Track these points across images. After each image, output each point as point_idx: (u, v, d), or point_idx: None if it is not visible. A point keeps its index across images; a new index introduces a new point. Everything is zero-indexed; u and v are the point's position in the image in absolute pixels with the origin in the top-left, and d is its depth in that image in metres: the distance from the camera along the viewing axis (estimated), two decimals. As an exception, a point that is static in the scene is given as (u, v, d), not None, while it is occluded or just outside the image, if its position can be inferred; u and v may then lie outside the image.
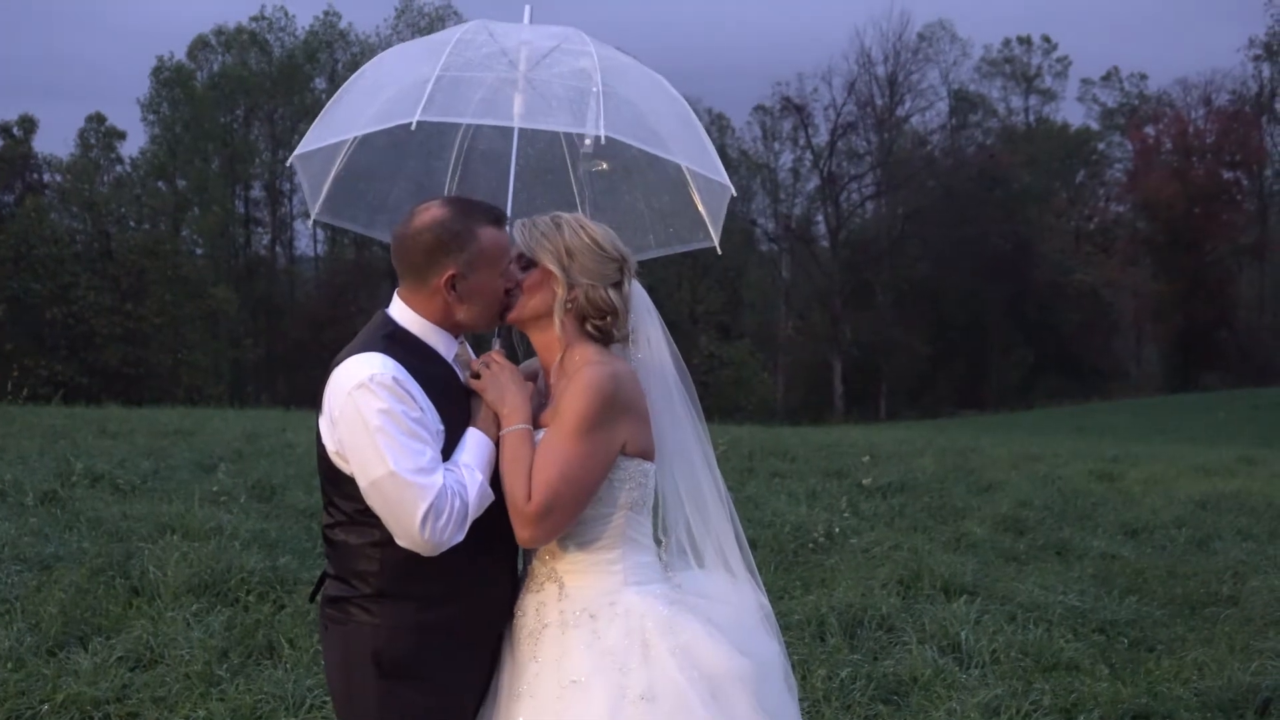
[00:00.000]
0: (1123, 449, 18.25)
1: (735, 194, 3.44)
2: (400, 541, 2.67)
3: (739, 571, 3.03)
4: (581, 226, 2.89)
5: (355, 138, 3.25)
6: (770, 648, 2.96)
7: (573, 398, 2.75)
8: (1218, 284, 54.24)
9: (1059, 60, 63.76)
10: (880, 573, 7.59)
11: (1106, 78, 63.61)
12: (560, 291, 2.84)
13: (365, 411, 2.64)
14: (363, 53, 51.01)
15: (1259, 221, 57.15)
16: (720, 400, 40.93)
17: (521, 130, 3.11)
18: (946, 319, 53.52)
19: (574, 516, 2.77)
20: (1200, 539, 9.72)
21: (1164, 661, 6.14)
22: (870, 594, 7.00)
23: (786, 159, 60.57)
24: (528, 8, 3.27)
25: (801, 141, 59.00)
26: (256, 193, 55.47)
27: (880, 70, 56.65)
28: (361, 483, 2.67)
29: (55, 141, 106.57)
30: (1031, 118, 64.02)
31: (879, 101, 56.91)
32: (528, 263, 2.87)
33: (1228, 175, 56.89)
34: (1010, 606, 6.98)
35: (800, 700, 3.21)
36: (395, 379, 2.66)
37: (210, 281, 45.08)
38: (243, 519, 8.26)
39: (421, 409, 2.69)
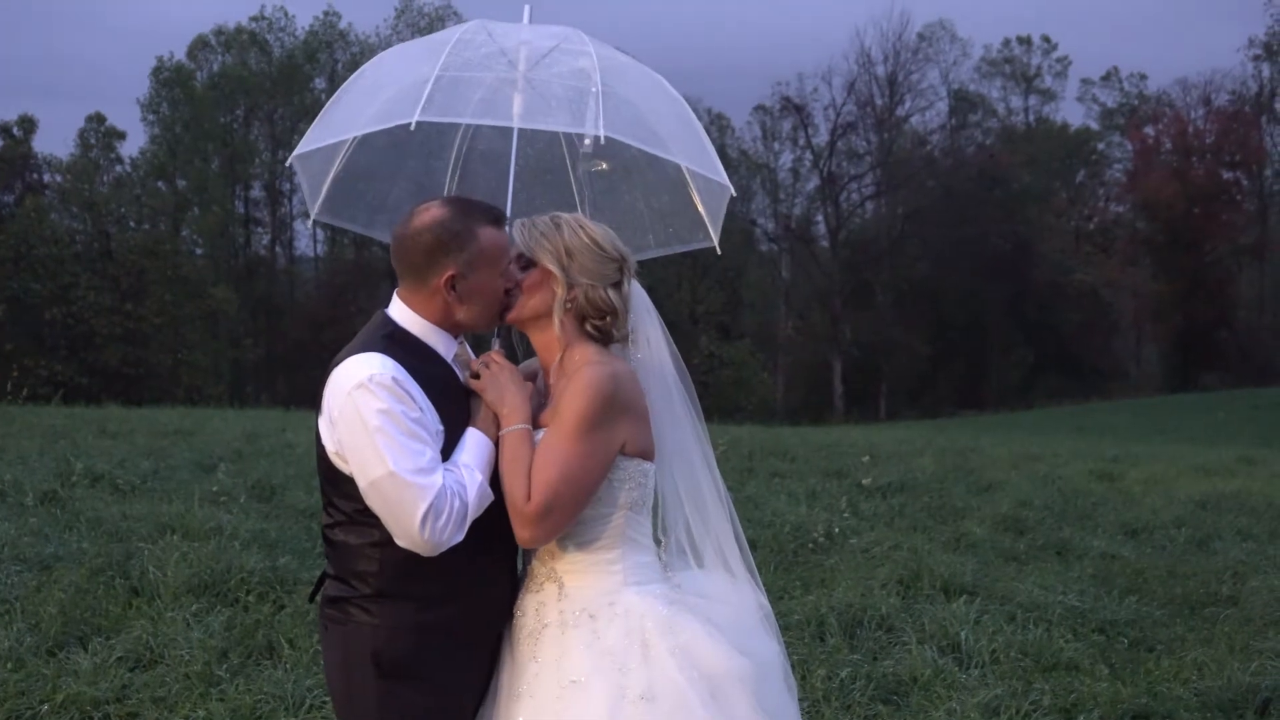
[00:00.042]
0: (1123, 449, 18.25)
1: (735, 194, 3.44)
2: (400, 542, 2.67)
3: (738, 571, 3.03)
4: (581, 226, 2.89)
5: (355, 138, 3.25)
6: (770, 648, 2.96)
7: (572, 398, 2.75)
8: (1217, 284, 54.25)
9: (1059, 60, 63.82)
10: (880, 573, 7.59)
11: (1106, 78, 63.66)
12: (560, 291, 2.84)
13: (364, 411, 2.64)
14: (362, 53, 51.01)
15: (1259, 221, 57.16)
16: (720, 400, 40.94)
17: (521, 130, 3.11)
18: (946, 319, 53.52)
19: (573, 516, 2.77)
20: (1200, 539, 9.72)
21: (1164, 661, 6.14)
22: (870, 594, 7.00)
23: (786, 159, 60.67)
24: (527, 8, 3.27)
25: (801, 141, 59.08)
26: (256, 193, 55.49)
27: (880, 70, 56.74)
28: (361, 483, 2.67)
29: (55, 141, 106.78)
30: (1031, 118, 64.05)
31: (879, 101, 56.95)
32: (527, 263, 2.87)
33: (1227, 175, 56.89)
34: (1010, 606, 6.98)
35: (800, 700, 3.21)
36: (395, 379, 2.66)
37: (210, 281, 45.09)
38: (242, 519, 8.26)
39: (421, 409, 2.69)
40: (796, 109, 57.30)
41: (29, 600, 6.20)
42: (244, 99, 54.34)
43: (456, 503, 2.65)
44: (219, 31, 55.34)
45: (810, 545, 8.63)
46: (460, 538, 2.67)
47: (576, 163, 3.47)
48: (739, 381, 46.47)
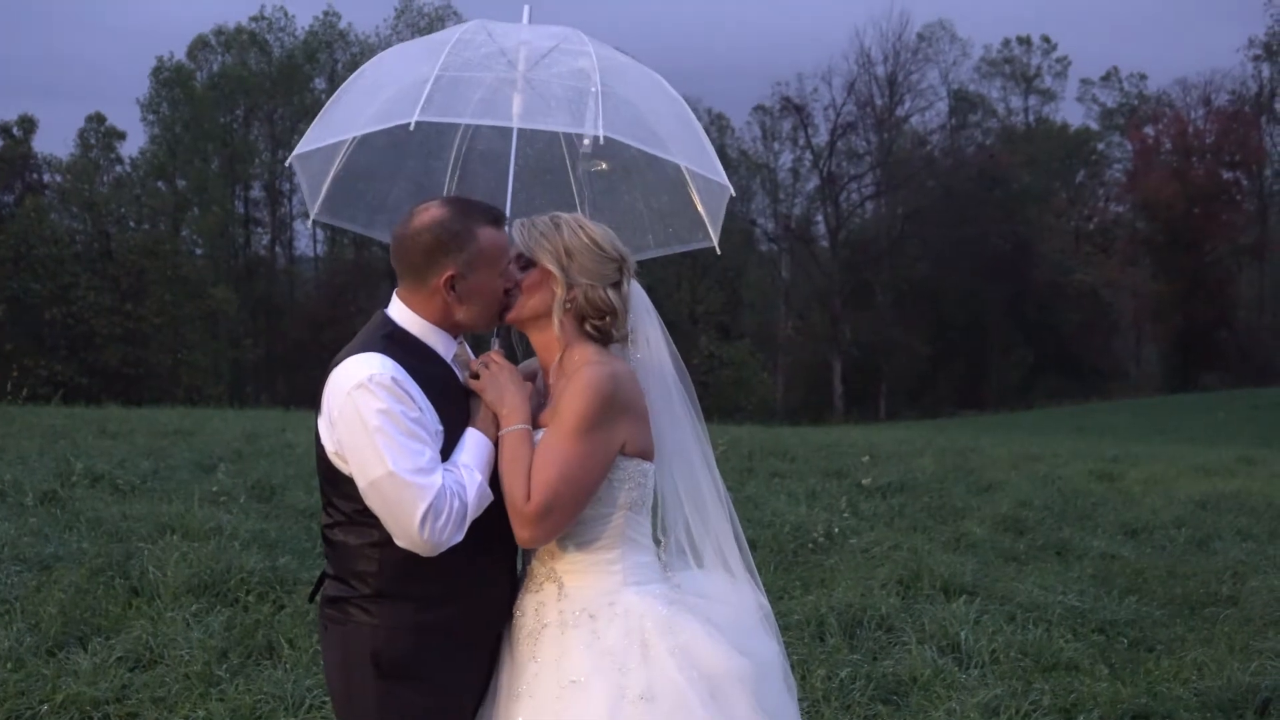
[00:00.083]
0: (1122, 449, 18.25)
1: (734, 194, 3.44)
2: (399, 542, 2.67)
3: (738, 571, 3.03)
4: (580, 226, 2.88)
5: (354, 138, 3.25)
6: (769, 648, 2.96)
7: (572, 398, 2.75)
8: (1217, 284, 54.25)
9: (1059, 60, 63.82)
10: (880, 573, 7.59)
11: (1106, 78, 63.67)
12: (559, 291, 2.84)
13: (364, 412, 2.63)
14: (362, 53, 51.01)
15: (1259, 221, 57.16)
16: (720, 400, 40.95)
17: (520, 130, 3.11)
18: (946, 319, 53.52)
19: (573, 516, 2.77)
20: (1200, 539, 9.72)
21: (1163, 661, 6.14)
22: (870, 594, 7.00)
23: (786, 159, 60.69)
24: (527, 8, 3.27)
25: (801, 141, 59.09)
26: (256, 193, 55.49)
27: (880, 70, 56.76)
28: (360, 483, 2.67)
29: (55, 141, 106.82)
30: (1031, 118, 64.05)
31: (879, 101, 56.96)
32: (527, 263, 2.87)
33: (1227, 175, 56.90)
34: (1010, 606, 6.98)
35: (799, 700, 3.21)
36: (394, 379, 2.66)
37: (210, 282, 45.10)
38: (242, 519, 8.26)
39: (420, 409, 2.69)
40: (796, 109, 57.34)
41: (29, 600, 6.20)
42: (244, 99, 54.34)
43: (456, 503, 2.65)
44: (219, 31, 55.37)
45: (810, 545, 8.63)
46: (460, 538, 2.67)
47: (576, 163, 3.47)
48: (739, 381, 46.48)
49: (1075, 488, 12.31)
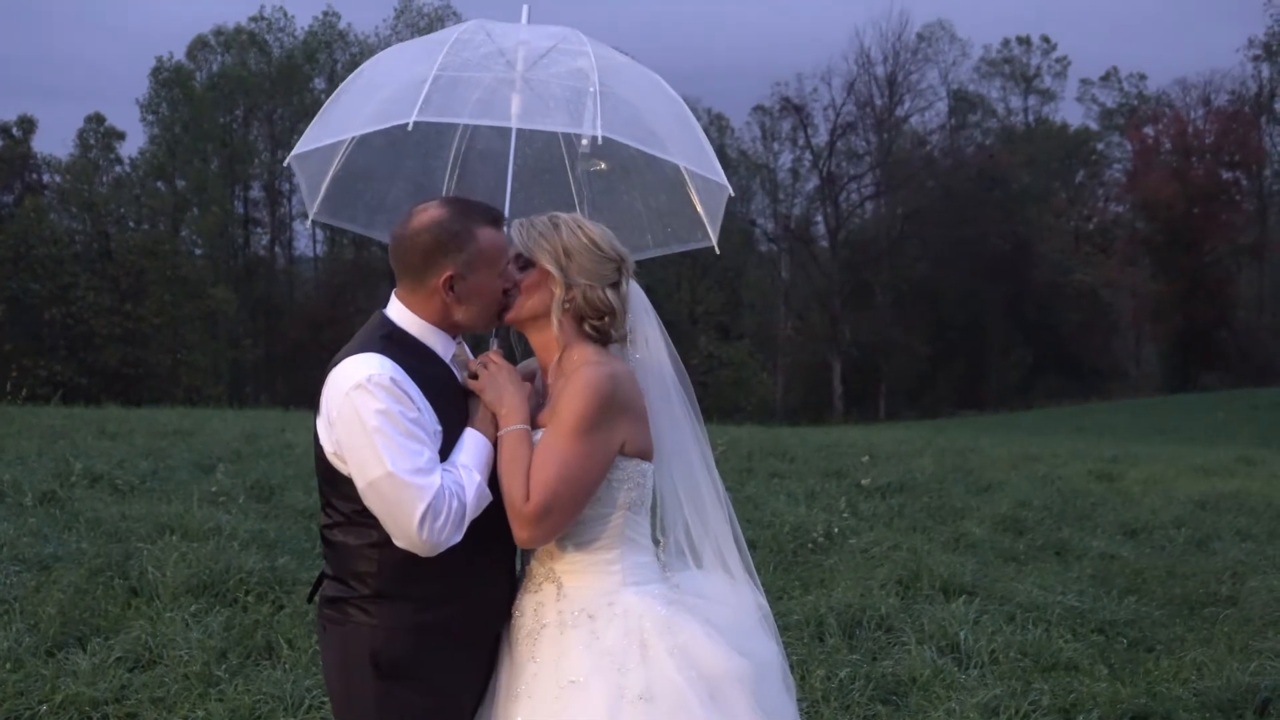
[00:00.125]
0: (1122, 449, 18.25)
1: (733, 194, 3.44)
2: (398, 542, 2.67)
3: (737, 572, 3.03)
4: (579, 226, 2.88)
5: (353, 138, 3.25)
6: (768, 648, 2.96)
7: (571, 398, 2.75)
8: (1217, 284, 54.25)
9: (1058, 60, 63.84)
10: (879, 573, 7.58)
11: (1106, 78, 63.68)
12: (558, 292, 2.84)
13: (363, 412, 2.63)
14: (362, 53, 51.01)
15: (1258, 221, 57.18)
16: (719, 401, 40.93)
17: (519, 130, 3.11)
18: (946, 319, 53.53)
19: (572, 517, 2.77)
20: (1199, 539, 9.72)
21: (1163, 662, 6.14)
22: (869, 594, 7.00)
23: (786, 159, 60.71)
24: (525, 8, 3.27)
25: (801, 142, 59.11)
26: (256, 193, 55.49)
27: (880, 70, 56.76)
28: (359, 483, 2.67)
29: (55, 142, 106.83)
30: (1031, 118, 64.06)
31: (878, 102, 56.96)
32: (526, 263, 2.87)
33: (1227, 175, 56.89)
34: (1009, 607, 6.98)
35: (799, 700, 3.21)
36: (393, 379, 2.66)
37: (209, 282, 45.08)
38: (241, 519, 8.26)
39: (419, 409, 2.68)
40: (796, 109, 57.36)
41: (28, 600, 6.20)
42: (243, 99, 54.34)
43: (455, 503, 2.65)
44: (218, 32, 55.37)
45: (809, 545, 8.62)
46: (458, 538, 2.67)
47: (575, 163, 3.47)
48: (738, 382, 46.50)
49: (1075, 488, 12.31)
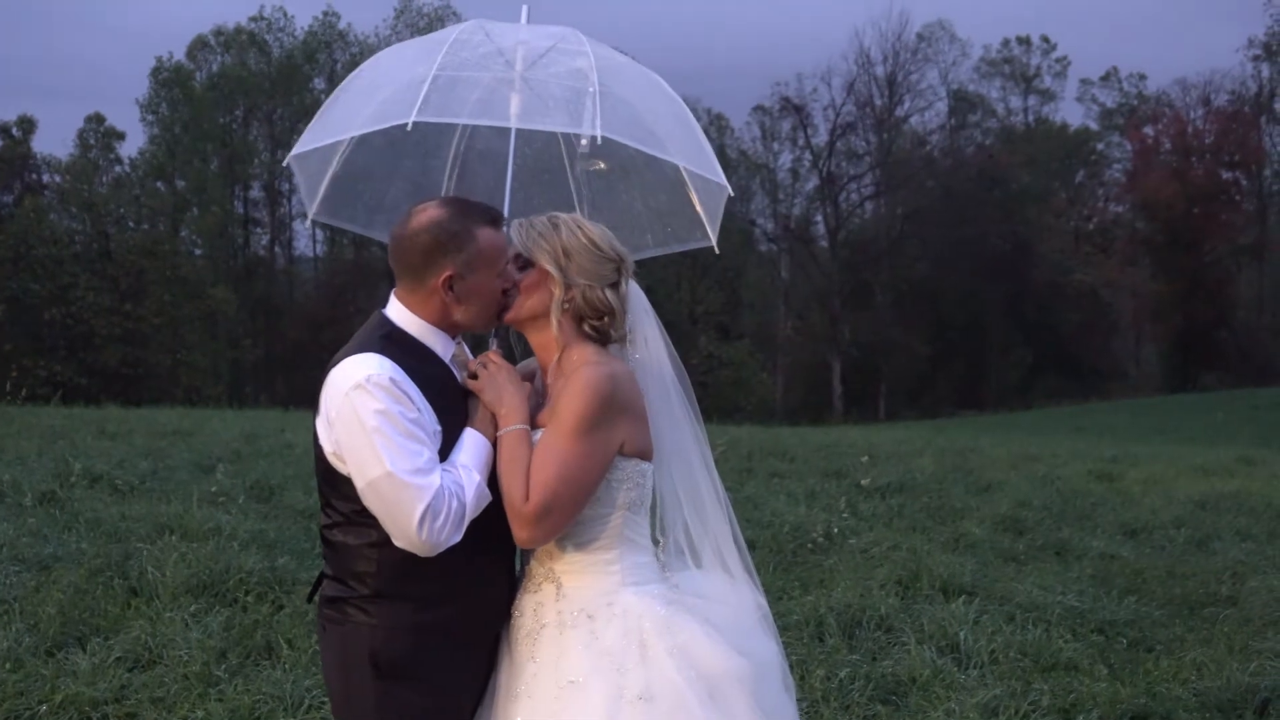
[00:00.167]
0: (1122, 449, 18.25)
1: (732, 194, 3.44)
2: (397, 542, 2.67)
3: (737, 572, 3.03)
4: (579, 226, 2.88)
5: (352, 138, 3.25)
6: (768, 648, 2.96)
7: (570, 398, 2.74)
8: (1217, 284, 54.25)
9: (1058, 60, 63.85)
10: (879, 573, 7.58)
11: (1105, 78, 63.69)
12: (557, 292, 2.84)
13: (362, 412, 2.63)
14: (362, 53, 50.97)
15: (1258, 221, 57.18)
16: (719, 401, 40.92)
17: (518, 130, 3.10)
18: (946, 319, 53.53)
19: (572, 517, 2.77)
20: (1199, 539, 9.72)
21: (1163, 662, 6.14)
22: (869, 594, 6.99)
23: (785, 159, 60.72)
24: (525, 7, 3.27)
25: (801, 142, 59.11)
26: (255, 193, 55.49)
27: (879, 70, 56.76)
28: (359, 483, 2.67)
29: (54, 142, 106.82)
30: (1030, 118, 64.07)
31: (878, 102, 56.97)
32: (525, 263, 2.87)
33: (1227, 175, 56.90)
34: (1009, 607, 6.98)
35: (798, 700, 3.21)
36: (392, 379, 2.66)
37: (209, 282, 45.07)
38: (241, 519, 8.26)
39: (418, 409, 2.68)
40: (796, 109, 57.36)
41: (28, 601, 6.20)
42: (243, 99, 54.34)
43: (454, 503, 2.65)
44: (218, 32, 55.36)
45: (809, 545, 8.62)
46: (458, 538, 2.67)
47: (574, 163, 3.47)
48: (738, 382, 46.50)
49: (1074, 488, 12.30)
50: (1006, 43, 63.54)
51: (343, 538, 2.78)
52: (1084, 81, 63.45)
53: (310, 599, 3.02)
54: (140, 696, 5.12)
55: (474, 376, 2.84)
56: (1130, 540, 9.72)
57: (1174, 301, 52.57)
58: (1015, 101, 64.29)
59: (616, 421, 2.78)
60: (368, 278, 49.65)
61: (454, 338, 2.88)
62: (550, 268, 2.84)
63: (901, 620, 6.56)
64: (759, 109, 59.04)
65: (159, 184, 51.83)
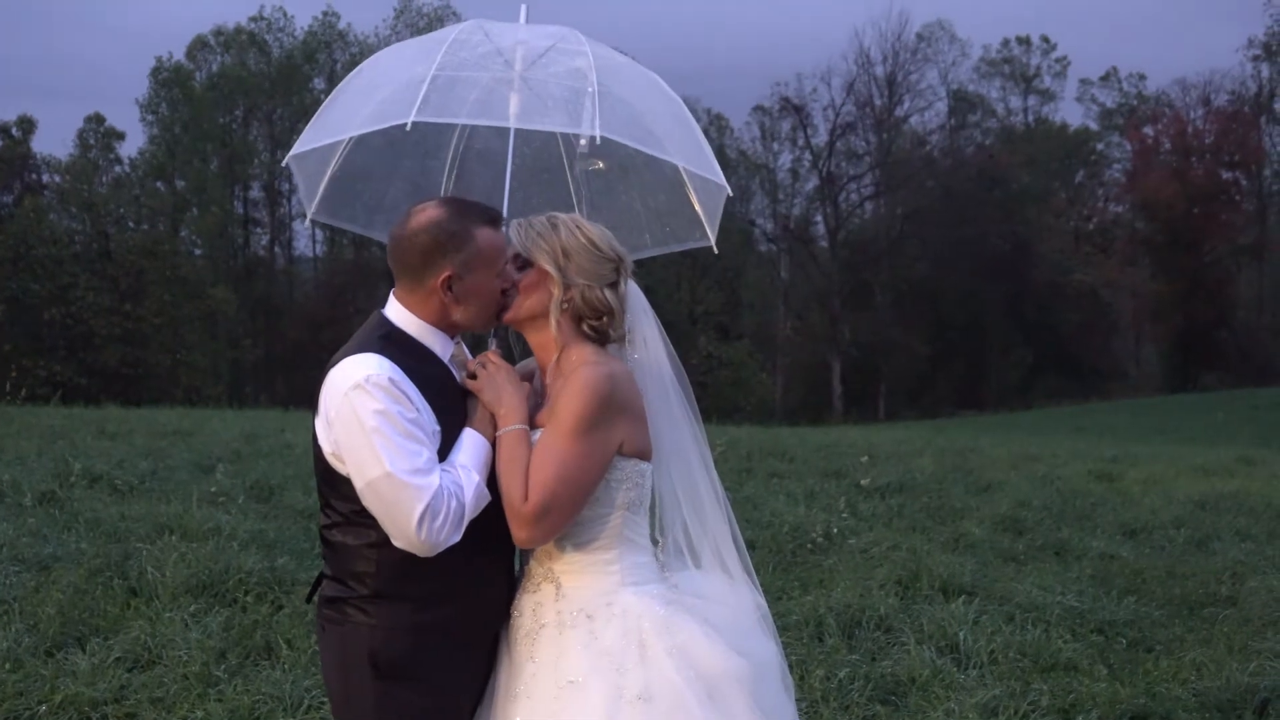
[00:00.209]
0: (1122, 449, 18.24)
1: (731, 194, 3.44)
2: (397, 542, 2.67)
3: (736, 572, 3.03)
4: (578, 226, 2.88)
5: (351, 138, 3.25)
6: (767, 648, 2.96)
7: (569, 398, 2.74)
8: (1217, 284, 54.27)
9: (1058, 60, 63.86)
10: (878, 573, 7.58)
11: (1105, 78, 63.70)
12: (556, 292, 2.84)
13: (361, 412, 2.63)
14: (361, 53, 50.96)
15: (1258, 221, 57.19)
16: (719, 401, 40.91)
17: (517, 130, 3.10)
18: (945, 319, 53.54)
19: (571, 517, 2.77)
20: (1199, 539, 9.71)
21: (1162, 662, 6.14)
22: (868, 594, 6.99)
23: (785, 159, 60.74)
24: (524, 7, 3.27)
25: (800, 142, 59.13)
26: (255, 193, 55.51)
27: (879, 70, 56.78)
28: (358, 483, 2.67)
29: (54, 142, 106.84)
30: (1030, 118, 64.09)
31: (878, 102, 56.97)
32: (524, 263, 2.87)
33: (1226, 175, 56.91)
34: (1009, 607, 6.98)
35: (798, 700, 3.21)
36: (391, 380, 2.66)
37: (209, 282, 45.06)
38: (241, 519, 8.25)
39: (418, 410, 2.68)
40: (795, 109, 57.37)
41: (27, 601, 6.19)
42: (243, 99, 54.36)
43: (454, 503, 2.64)
44: (218, 32, 55.37)
45: (809, 546, 8.62)
46: (457, 538, 2.67)
47: (573, 163, 3.47)
48: (737, 382, 46.49)
49: (1074, 488, 12.30)
50: (1006, 43, 63.63)
51: (342, 538, 2.78)
52: (1084, 81, 63.56)
53: (309, 599, 3.02)
54: (140, 697, 5.12)
55: (473, 376, 2.84)
56: (1130, 540, 9.71)
57: (1174, 301, 52.59)
58: (1015, 101, 64.36)
59: (615, 421, 2.78)
60: (367, 278, 49.65)
61: (453, 338, 2.88)
62: (549, 268, 2.84)
63: (901, 620, 6.56)
64: (759, 109, 59.14)
65: (159, 184, 51.85)
